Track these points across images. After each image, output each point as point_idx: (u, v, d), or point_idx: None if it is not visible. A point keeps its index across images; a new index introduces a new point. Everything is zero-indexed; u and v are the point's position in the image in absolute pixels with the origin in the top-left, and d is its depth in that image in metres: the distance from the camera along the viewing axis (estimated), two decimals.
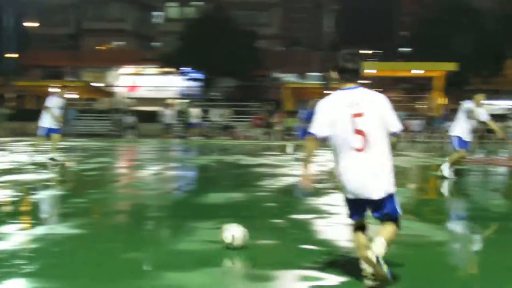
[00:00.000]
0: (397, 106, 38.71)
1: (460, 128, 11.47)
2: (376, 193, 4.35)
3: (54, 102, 14.76)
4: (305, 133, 9.32)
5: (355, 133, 4.36)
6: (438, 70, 36.31)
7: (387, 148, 4.45)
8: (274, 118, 35.58)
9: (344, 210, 4.73)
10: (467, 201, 10.17)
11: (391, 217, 4.48)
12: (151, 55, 50.14)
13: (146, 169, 14.47)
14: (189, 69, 50.09)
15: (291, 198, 9.45)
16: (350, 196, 4.48)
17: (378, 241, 4.28)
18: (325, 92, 38.54)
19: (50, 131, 14.79)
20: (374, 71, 41.07)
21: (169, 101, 37.05)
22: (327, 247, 5.76)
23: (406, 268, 4.93)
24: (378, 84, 58.86)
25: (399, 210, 4.51)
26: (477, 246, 6.40)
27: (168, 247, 5.79)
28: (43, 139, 15.25)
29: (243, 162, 16.75)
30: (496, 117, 37.12)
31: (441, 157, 18.27)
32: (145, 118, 36.74)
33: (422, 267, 5.10)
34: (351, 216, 4.65)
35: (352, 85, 4.53)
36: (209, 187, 11.33)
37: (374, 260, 4.10)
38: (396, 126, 4.53)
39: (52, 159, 14.43)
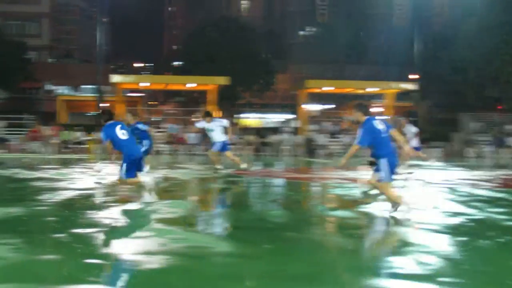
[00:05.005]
0: (173, 119, 39.52)
1: None
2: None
3: None
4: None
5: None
6: (211, 84, 37.52)
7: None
8: (49, 131, 34.52)
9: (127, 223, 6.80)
10: (246, 211, 10.43)
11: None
12: None
13: None
14: None
15: (71, 212, 9.15)
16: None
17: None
18: (99, 104, 38.35)
19: None
20: (148, 84, 41.29)
21: None
22: (111, 261, 5.83)
23: (187, 279, 5.26)
24: (152, 97, 59.48)
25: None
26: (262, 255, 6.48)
27: None
28: None
29: (20, 176, 16.03)
30: (270, 130, 39.27)
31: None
32: None
33: (204, 279, 5.28)
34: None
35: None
36: None
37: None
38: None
39: None
